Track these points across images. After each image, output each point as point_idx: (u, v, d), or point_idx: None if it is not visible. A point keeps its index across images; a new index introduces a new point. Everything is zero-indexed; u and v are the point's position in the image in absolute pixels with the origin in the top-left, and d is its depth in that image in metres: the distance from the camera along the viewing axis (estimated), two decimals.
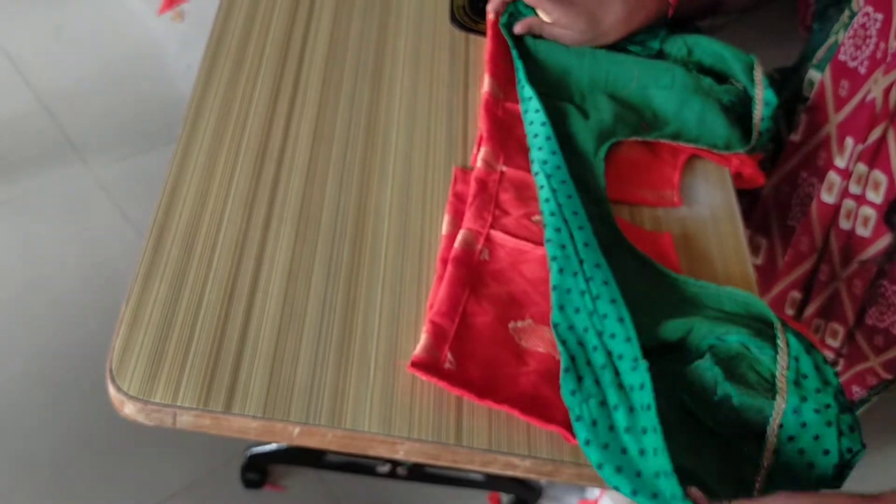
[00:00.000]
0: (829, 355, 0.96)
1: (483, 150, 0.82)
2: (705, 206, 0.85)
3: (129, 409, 0.61)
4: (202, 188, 0.73)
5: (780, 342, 0.68)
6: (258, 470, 1.38)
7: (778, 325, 0.69)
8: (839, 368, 0.98)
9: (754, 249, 1.00)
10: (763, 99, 0.87)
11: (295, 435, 0.62)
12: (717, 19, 0.99)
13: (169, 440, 1.38)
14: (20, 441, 1.37)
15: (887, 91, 0.85)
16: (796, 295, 0.96)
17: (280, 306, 0.68)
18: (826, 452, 0.64)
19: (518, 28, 0.91)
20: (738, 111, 0.89)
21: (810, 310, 0.96)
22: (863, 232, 0.88)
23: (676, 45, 0.92)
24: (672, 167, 0.87)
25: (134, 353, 0.62)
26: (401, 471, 1.38)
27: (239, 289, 0.68)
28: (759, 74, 0.89)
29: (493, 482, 1.44)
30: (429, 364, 0.66)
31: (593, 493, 1.44)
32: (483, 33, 0.95)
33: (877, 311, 0.92)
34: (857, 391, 0.99)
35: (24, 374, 1.44)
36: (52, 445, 1.37)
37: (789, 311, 0.97)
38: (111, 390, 0.61)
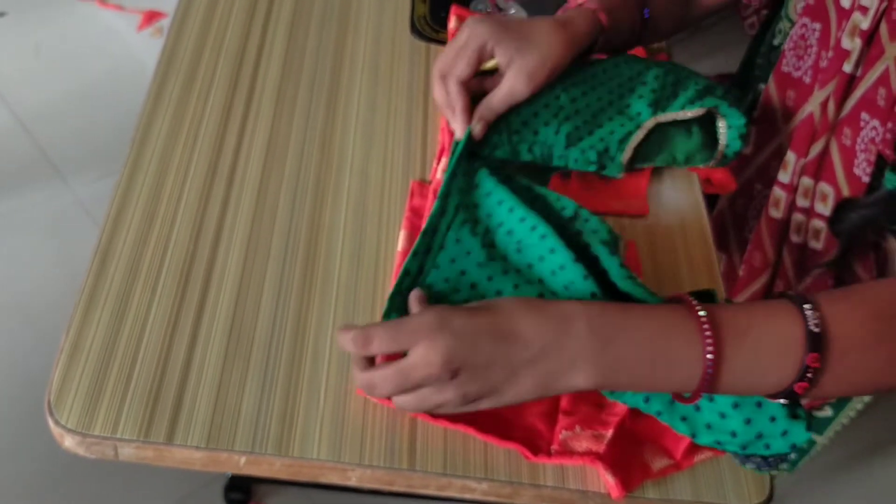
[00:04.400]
0: None
1: (444, 161, 0.80)
2: (673, 214, 0.83)
3: (69, 443, 0.59)
4: (148, 212, 0.72)
5: None
6: (241, 489, 1.37)
7: (718, 299, 0.67)
8: None
9: None
10: (727, 123, 0.83)
11: (241, 464, 0.60)
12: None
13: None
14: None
15: (824, 104, 0.83)
16: None
17: (227, 332, 0.66)
18: None
19: (478, 131, 0.75)
20: (701, 123, 0.86)
21: None
22: (815, 245, 0.86)
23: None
24: (639, 174, 0.85)
25: (73, 384, 0.60)
26: None
27: (184, 315, 0.66)
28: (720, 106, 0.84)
29: None
30: None
31: None
32: (444, 43, 0.93)
33: None
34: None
35: (2, 395, 1.42)
36: (32, 470, 1.36)
37: None
38: (50, 423, 0.59)
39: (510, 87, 0.75)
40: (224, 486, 1.36)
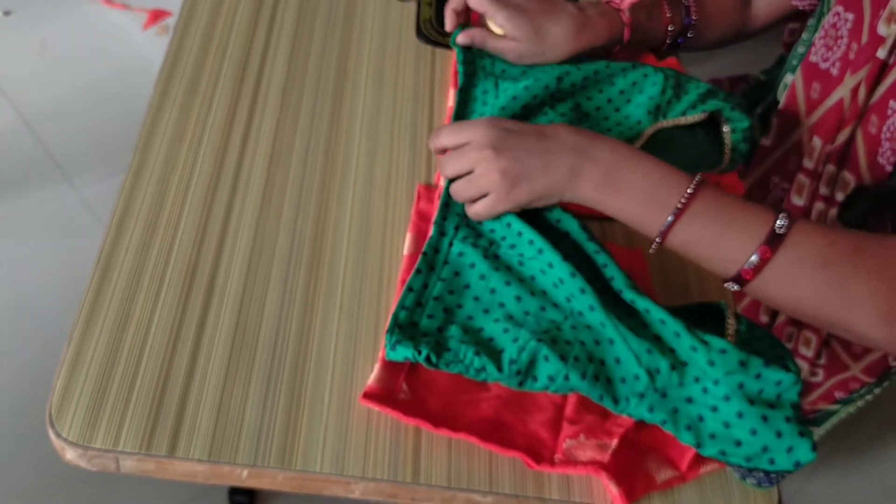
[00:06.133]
0: (804, 365, 0.94)
1: None
2: None
3: (71, 455, 0.59)
4: (151, 219, 0.71)
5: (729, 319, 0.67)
6: (245, 492, 1.37)
7: (728, 311, 0.67)
8: (819, 379, 0.96)
9: None
10: (731, 127, 0.83)
11: (244, 477, 0.60)
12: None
13: None
14: (4, 469, 1.35)
15: (855, 90, 0.82)
16: None
17: (230, 341, 0.65)
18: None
19: (461, 38, 0.86)
20: (706, 129, 0.85)
21: (782, 317, 0.93)
22: None
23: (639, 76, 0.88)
24: None
25: (75, 395, 0.60)
26: None
27: (186, 325, 0.65)
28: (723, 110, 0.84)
29: None
30: (382, 395, 0.63)
31: None
32: (449, 46, 0.93)
33: None
34: (839, 395, 0.96)
35: (9, 397, 1.42)
36: (37, 472, 1.36)
37: (764, 318, 0.94)
38: (51, 436, 0.59)
39: (501, 50, 0.85)
40: (228, 489, 1.36)
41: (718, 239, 0.64)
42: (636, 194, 0.66)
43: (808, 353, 0.93)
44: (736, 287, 0.66)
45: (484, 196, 0.69)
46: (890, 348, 0.65)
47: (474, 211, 0.70)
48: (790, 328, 0.93)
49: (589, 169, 0.66)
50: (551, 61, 0.85)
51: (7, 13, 2.02)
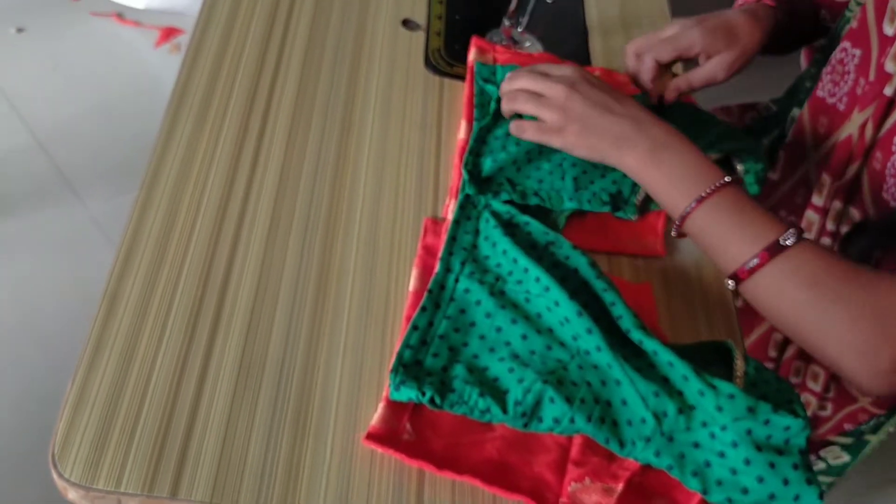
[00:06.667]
0: (812, 399, 0.93)
1: (454, 203, 0.79)
2: (689, 254, 0.82)
3: (73, 496, 0.59)
4: (158, 252, 0.71)
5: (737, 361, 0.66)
6: None
7: (736, 352, 0.67)
8: (828, 413, 0.95)
9: None
10: (744, 168, 0.83)
11: None
12: None
13: None
14: (8, 488, 1.35)
15: (863, 127, 0.81)
16: (778, 336, 0.93)
17: (233, 381, 0.65)
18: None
19: (671, 96, 0.88)
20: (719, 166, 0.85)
21: (790, 352, 0.92)
22: None
23: None
24: (656, 213, 0.84)
25: (78, 435, 0.60)
26: None
27: (190, 364, 0.65)
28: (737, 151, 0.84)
29: None
30: (385, 436, 0.63)
31: None
32: (458, 77, 0.93)
33: None
34: (848, 427, 0.95)
35: (13, 416, 1.43)
36: (41, 494, 1.36)
37: (772, 353, 0.94)
38: (54, 476, 0.59)
39: (711, 72, 0.86)
40: None
41: (729, 234, 0.68)
42: (671, 175, 0.71)
43: (817, 387, 0.92)
44: (732, 284, 0.69)
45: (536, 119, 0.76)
46: (858, 381, 0.65)
47: (522, 127, 0.77)
48: (798, 363, 0.92)
49: (639, 140, 0.72)
50: (750, 59, 0.88)
51: (20, 30, 2.03)
